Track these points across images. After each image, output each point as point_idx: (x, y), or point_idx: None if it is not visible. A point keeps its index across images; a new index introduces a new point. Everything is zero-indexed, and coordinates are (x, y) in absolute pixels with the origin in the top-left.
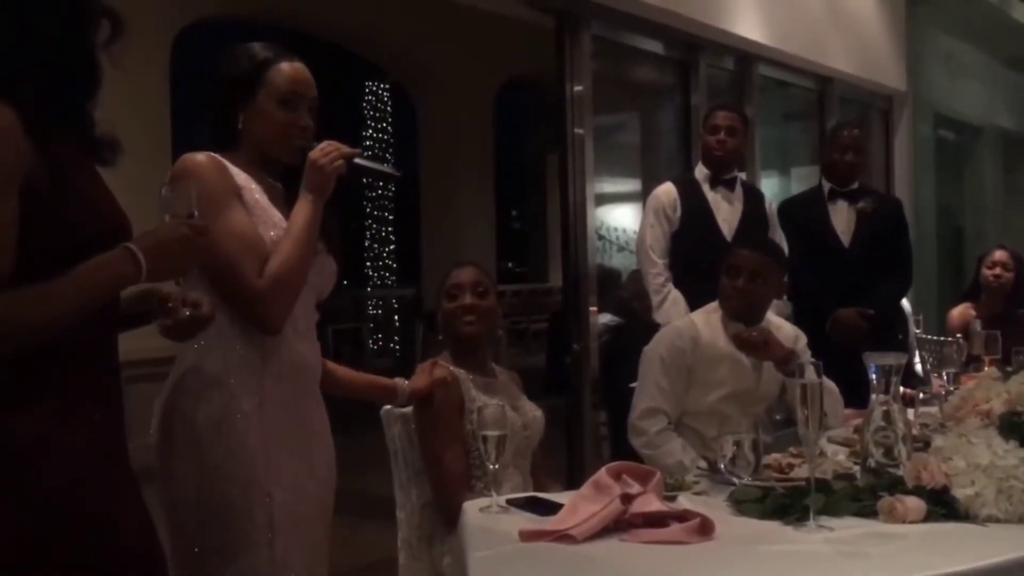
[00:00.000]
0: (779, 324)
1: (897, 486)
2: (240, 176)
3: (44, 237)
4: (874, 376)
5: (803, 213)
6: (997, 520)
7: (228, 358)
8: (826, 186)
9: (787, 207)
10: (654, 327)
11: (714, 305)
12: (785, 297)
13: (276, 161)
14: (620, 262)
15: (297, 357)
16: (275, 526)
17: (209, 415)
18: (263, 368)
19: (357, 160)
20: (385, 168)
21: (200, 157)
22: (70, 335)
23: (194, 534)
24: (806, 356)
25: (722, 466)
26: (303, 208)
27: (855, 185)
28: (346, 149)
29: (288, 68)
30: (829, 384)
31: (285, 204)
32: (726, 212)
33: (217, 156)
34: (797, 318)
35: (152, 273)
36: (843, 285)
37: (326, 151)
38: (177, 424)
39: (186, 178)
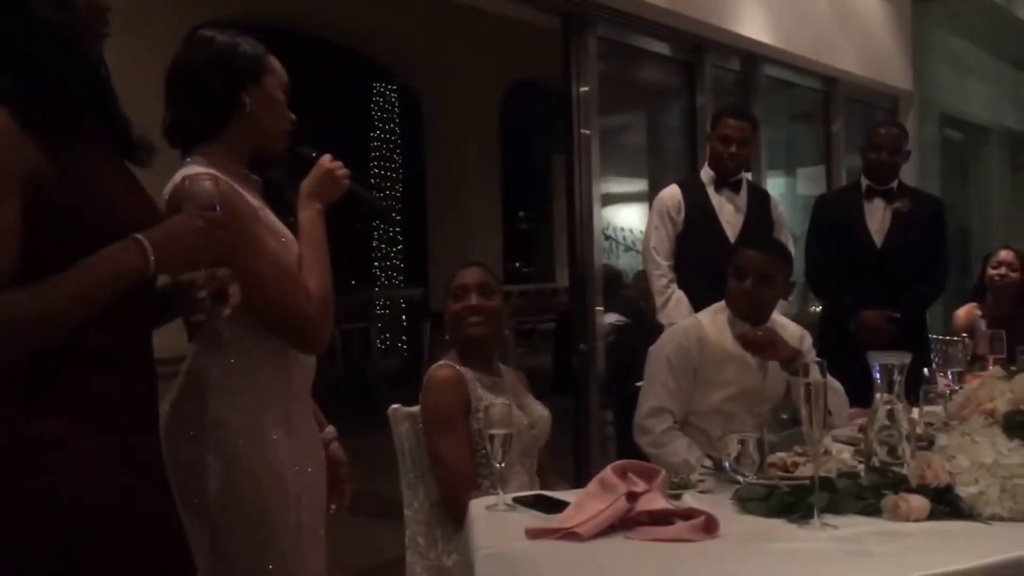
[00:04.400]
0: (784, 323)
1: (901, 484)
2: (245, 192)
3: (52, 237)
4: (878, 375)
5: (838, 209)
6: (1001, 518)
7: (259, 367)
8: (864, 183)
9: (823, 202)
10: (660, 327)
11: (720, 305)
12: (791, 298)
13: (254, 154)
14: (627, 262)
15: (308, 360)
16: (302, 528)
17: (244, 424)
18: (290, 374)
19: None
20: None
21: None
22: (90, 335)
23: (224, 540)
24: (811, 355)
25: (727, 464)
26: (317, 219)
27: (894, 184)
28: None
29: (277, 61)
30: (834, 383)
31: (263, 197)
32: (730, 214)
33: (222, 177)
34: (823, 318)
35: (162, 265)
36: (873, 285)
37: (337, 163)
38: (210, 432)
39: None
